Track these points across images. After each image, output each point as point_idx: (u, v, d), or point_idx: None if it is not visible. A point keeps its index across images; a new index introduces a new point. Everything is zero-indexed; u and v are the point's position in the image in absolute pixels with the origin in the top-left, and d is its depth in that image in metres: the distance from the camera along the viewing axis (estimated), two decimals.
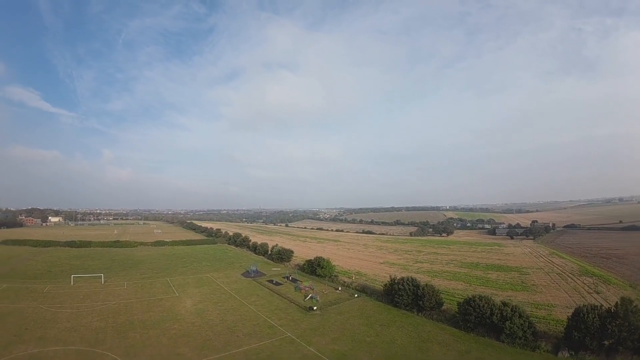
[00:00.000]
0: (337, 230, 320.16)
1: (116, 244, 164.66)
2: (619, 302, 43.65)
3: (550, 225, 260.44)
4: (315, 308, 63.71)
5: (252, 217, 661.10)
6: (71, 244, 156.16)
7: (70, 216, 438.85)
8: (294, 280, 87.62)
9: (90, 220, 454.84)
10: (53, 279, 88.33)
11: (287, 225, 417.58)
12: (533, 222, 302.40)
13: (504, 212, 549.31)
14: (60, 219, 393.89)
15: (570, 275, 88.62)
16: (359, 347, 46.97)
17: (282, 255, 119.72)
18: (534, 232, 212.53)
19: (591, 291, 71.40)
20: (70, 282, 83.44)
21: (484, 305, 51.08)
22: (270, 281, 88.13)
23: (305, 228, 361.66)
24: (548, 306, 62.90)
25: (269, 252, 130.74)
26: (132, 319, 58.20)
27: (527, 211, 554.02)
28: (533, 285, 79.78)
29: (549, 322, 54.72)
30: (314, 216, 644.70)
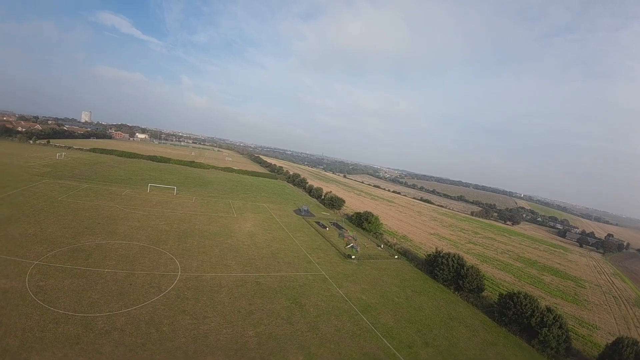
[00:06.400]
0: (393, 192, 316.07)
1: (192, 164, 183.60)
2: None
3: (625, 244, 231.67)
4: (353, 257, 66.22)
5: (314, 162, 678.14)
6: (153, 158, 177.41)
7: (155, 135, 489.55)
8: (340, 228, 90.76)
9: (172, 140, 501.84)
10: (132, 185, 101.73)
11: (345, 176, 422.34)
12: (608, 235, 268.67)
13: (581, 216, 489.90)
14: (146, 136, 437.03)
15: (625, 302, 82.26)
16: (385, 303, 48.32)
17: (333, 202, 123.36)
18: (605, 246, 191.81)
19: (639, 325, 66.12)
20: (147, 189, 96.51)
21: (526, 304, 48.27)
22: (318, 223, 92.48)
23: (362, 182, 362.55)
24: (592, 326, 59.55)
25: (322, 197, 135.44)
26: (193, 228, 66.71)
27: (607, 222, 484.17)
28: (585, 300, 75.67)
29: (586, 343, 51.98)
30: (373, 173, 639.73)
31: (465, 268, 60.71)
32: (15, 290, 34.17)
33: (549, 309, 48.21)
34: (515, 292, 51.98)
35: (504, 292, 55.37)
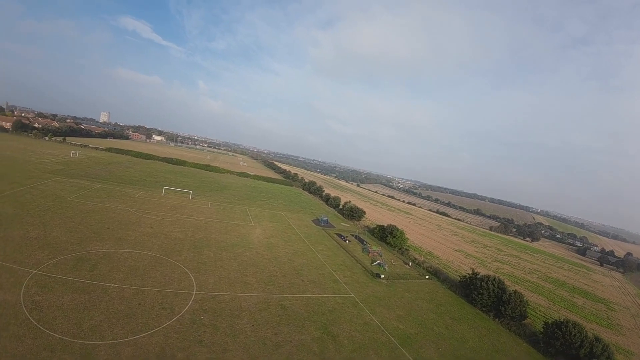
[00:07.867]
0: (408, 203, 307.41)
1: (207, 167, 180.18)
2: None
3: None
4: (382, 277, 59.83)
5: (326, 170, 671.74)
6: (169, 160, 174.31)
7: (172, 137, 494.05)
8: (362, 241, 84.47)
9: (188, 143, 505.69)
10: (146, 187, 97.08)
11: (358, 185, 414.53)
12: (627, 254, 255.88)
13: (599, 234, 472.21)
14: (163, 139, 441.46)
15: None
16: (426, 334, 42.23)
17: (353, 213, 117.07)
18: (625, 265, 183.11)
19: None
20: (162, 192, 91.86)
21: (575, 334, 43.81)
22: (339, 235, 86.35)
23: (376, 192, 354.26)
24: (627, 352, 55.19)
25: (340, 207, 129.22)
26: (210, 238, 61.36)
27: (624, 240, 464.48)
28: (618, 324, 70.91)
29: None
30: (387, 183, 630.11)
31: (507, 293, 54.77)
32: (8, 304, 29.35)
33: (597, 338, 44.73)
34: (563, 320, 46.91)
35: (548, 320, 51.44)
